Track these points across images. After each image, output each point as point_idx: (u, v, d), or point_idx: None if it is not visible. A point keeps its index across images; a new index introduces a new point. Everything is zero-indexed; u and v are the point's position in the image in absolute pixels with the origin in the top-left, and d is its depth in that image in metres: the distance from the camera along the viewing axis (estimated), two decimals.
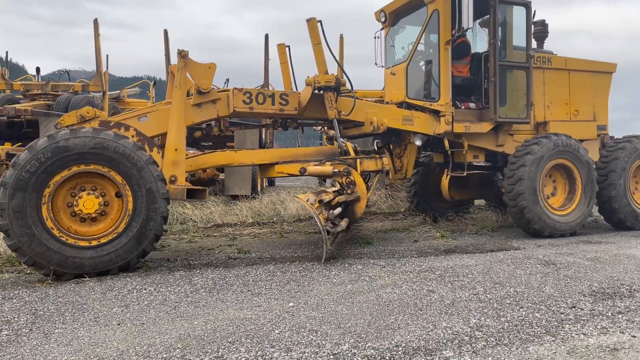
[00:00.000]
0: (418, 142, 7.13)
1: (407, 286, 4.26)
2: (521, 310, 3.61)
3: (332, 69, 6.58)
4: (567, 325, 3.30)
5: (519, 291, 4.09)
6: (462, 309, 3.62)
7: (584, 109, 7.93)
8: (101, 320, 3.47)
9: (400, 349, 2.88)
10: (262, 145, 16.70)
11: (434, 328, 3.22)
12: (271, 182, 17.15)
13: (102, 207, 4.89)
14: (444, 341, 3.00)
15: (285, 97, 6.29)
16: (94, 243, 4.77)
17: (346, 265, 5.15)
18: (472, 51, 7.67)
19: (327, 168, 5.83)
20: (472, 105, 7.18)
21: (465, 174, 7.35)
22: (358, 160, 6.04)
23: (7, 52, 16.52)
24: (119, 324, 3.38)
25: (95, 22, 13.03)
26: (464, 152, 7.18)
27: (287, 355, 2.79)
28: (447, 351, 2.86)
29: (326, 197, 5.46)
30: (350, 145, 6.35)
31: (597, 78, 8.08)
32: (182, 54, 5.62)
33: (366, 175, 6.90)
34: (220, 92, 6.09)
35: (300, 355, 2.79)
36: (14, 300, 3.95)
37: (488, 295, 3.97)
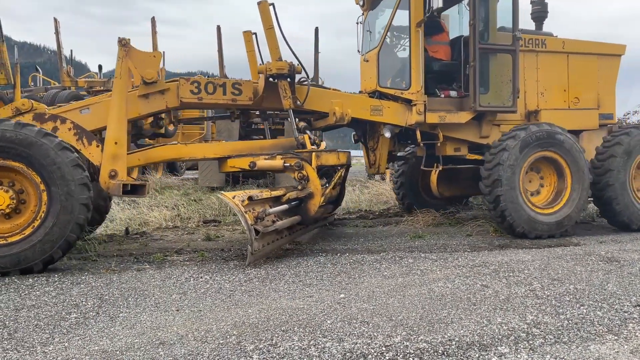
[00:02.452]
0: (387, 134, 6.70)
1: (460, 281, 4.19)
2: (582, 308, 3.47)
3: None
4: (630, 324, 3.15)
5: (579, 288, 3.94)
6: (517, 305, 3.52)
7: (585, 96, 7.17)
8: (161, 306, 3.63)
9: (453, 343, 2.85)
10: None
11: (488, 323, 3.16)
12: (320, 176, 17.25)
13: (15, 203, 4.68)
14: (499, 337, 2.94)
15: (238, 87, 5.95)
16: (12, 239, 4.59)
17: (397, 258, 5.13)
18: (459, 34, 7.16)
19: (278, 162, 5.53)
20: (452, 93, 6.66)
21: (440, 169, 6.85)
22: (314, 153, 5.63)
23: (71, 51, 17.47)
24: (177, 310, 3.52)
25: (153, 20, 13.51)
26: (439, 144, 6.67)
27: (339, 346, 2.82)
28: (503, 347, 2.80)
29: (260, 194, 5.12)
30: (307, 138, 5.94)
31: (602, 62, 7.28)
32: (123, 42, 5.33)
33: (331, 169, 6.43)
34: (169, 83, 5.83)
35: (353, 345, 2.82)
36: (82, 285, 4.20)
37: (546, 292, 3.84)
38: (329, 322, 3.21)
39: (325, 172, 6.70)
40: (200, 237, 6.65)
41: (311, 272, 4.57)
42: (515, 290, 3.89)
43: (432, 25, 6.82)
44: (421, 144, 6.70)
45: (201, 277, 4.42)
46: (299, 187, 5.48)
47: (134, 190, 5.35)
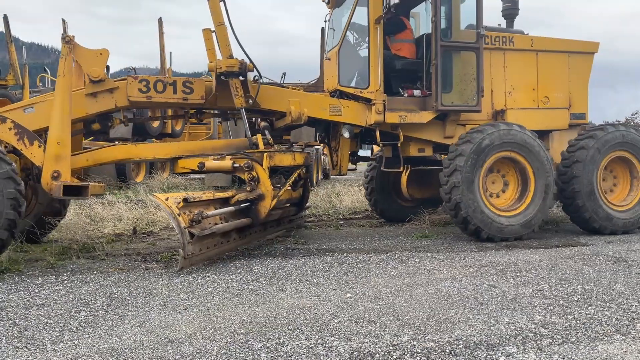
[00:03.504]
0: (346, 134, 6.48)
1: (467, 280, 4.19)
2: (589, 308, 3.46)
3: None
4: (638, 324, 3.14)
5: (587, 288, 3.93)
6: (525, 305, 3.52)
7: (555, 95, 6.94)
8: (169, 304, 3.66)
9: (460, 342, 2.85)
10: (316, 139, 16.75)
11: (495, 323, 3.16)
12: (326, 175, 17.26)
13: None
14: (507, 337, 2.94)
15: (189, 85, 5.84)
16: None
17: (403, 258, 5.13)
18: (427, 32, 6.90)
19: (227, 163, 5.33)
20: (416, 92, 6.48)
21: (401, 170, 6.68)
22: (265, 154, 5.43)
23: None
24: (185, 309, 3.55)
25: (160, 21, 13.58)
26: (399, 144, 6.48)
27: (346, 345, 2.83)
28: (510, 347, 2.80)
29: (199, 196, 4.89)
30: (260, 138, 5.75)
31: (574, 60, 7.04)
32: (67, 39, 5.22)
33: (287, 171, 6.12)
34: (118, 81, 5.71)
35: (360, 345, 2.83)
36: (91, 284, 4.23)
37: (553, 292, 3.83)
38: (336, 321, 3.22)
39: (284, 173, 6.52)
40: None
41: (318, 272, 4.58)
42: (523, 290, 3.88)
43: (395, 22, 6.71)
44: (381, 144, 6.52)
45: (208, 276, 4.45)
46: (248, 189, 5.29)
47: (77, 191, 5.16)
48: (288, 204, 6.60)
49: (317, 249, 5.76)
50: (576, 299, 3.66)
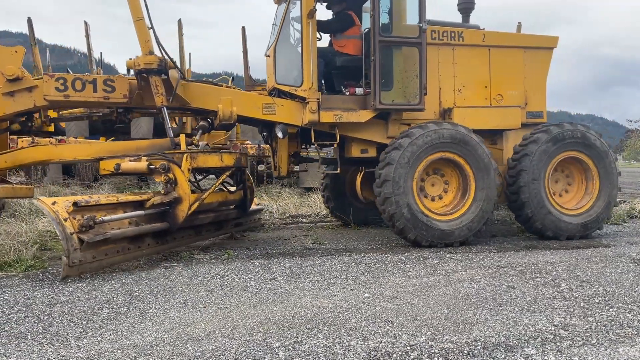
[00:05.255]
0: (280, 135, 6.19)
1: (486, 281, 4.16)
2: (611, 310, 3.41)
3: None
4: None
5: (608, 290, 3.87)
6: (545, 307, 3.48)
7: (510, 92, 6.64)
8: (189, 302, 3.71)
9: (479, 343, 2.84)
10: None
11: (514, 324, 3.14)
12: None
13: None
14: (526, 338, 2.92)
15: (110, 84, 5.59)
16: None
17: (421, 258, 5.12)
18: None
19: (142, 164, 5.10)
20: (358, 90, 6.19)
21: (338, 171, 6.46)
22: (185, 155, 5.20)
23: (101, 53, 17.80)
24: (205, 307, 3.59)
25: (179, 22, 13.72)
26: (336, 145, 6.22)
27: (364, 344, 2.84)
28: (530, 349, 2.77)
29: (96, 199, 4.65)
30: (183, 138, 5.50)
31: (530, 55, 6.72)
32: None
33: (227, 170, 5.91)
34: (36, 80, 5.53)
35: (377, 344, 2.84)
36: (112, 282, 4.31)
37: (574, 294, 3.78)
38: (353, 320, 3.24)
39: (217, 174, 6.34)
40: (225, 236, 6.74)
41: (335, 271, 4.60)
42: (543, 292, 3.84)
43: (343, 18, 6.53)
44: (315, 145, 6.28)
45: (227, 275, 4.50)
46: (163, 192, 5.06)
47: None
48: (232, 206, 6.45)
49: (335, 248, 5.78)
50: (597, 301, 3.61)
